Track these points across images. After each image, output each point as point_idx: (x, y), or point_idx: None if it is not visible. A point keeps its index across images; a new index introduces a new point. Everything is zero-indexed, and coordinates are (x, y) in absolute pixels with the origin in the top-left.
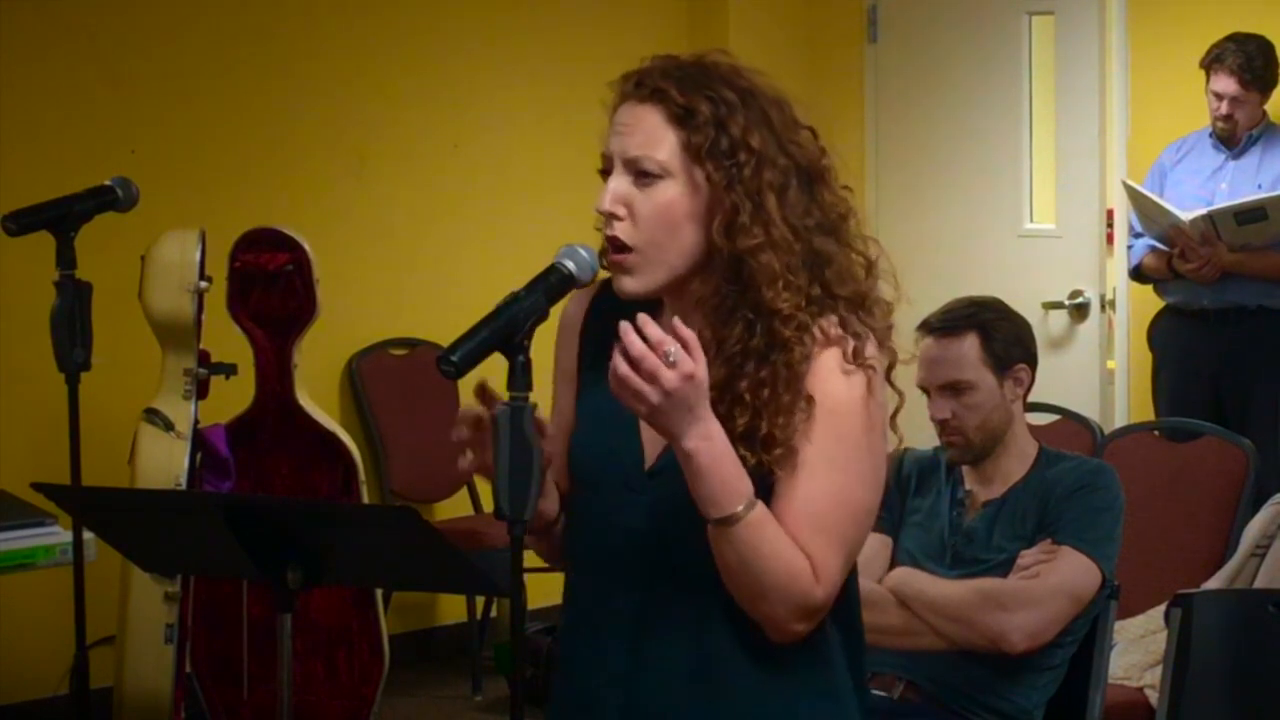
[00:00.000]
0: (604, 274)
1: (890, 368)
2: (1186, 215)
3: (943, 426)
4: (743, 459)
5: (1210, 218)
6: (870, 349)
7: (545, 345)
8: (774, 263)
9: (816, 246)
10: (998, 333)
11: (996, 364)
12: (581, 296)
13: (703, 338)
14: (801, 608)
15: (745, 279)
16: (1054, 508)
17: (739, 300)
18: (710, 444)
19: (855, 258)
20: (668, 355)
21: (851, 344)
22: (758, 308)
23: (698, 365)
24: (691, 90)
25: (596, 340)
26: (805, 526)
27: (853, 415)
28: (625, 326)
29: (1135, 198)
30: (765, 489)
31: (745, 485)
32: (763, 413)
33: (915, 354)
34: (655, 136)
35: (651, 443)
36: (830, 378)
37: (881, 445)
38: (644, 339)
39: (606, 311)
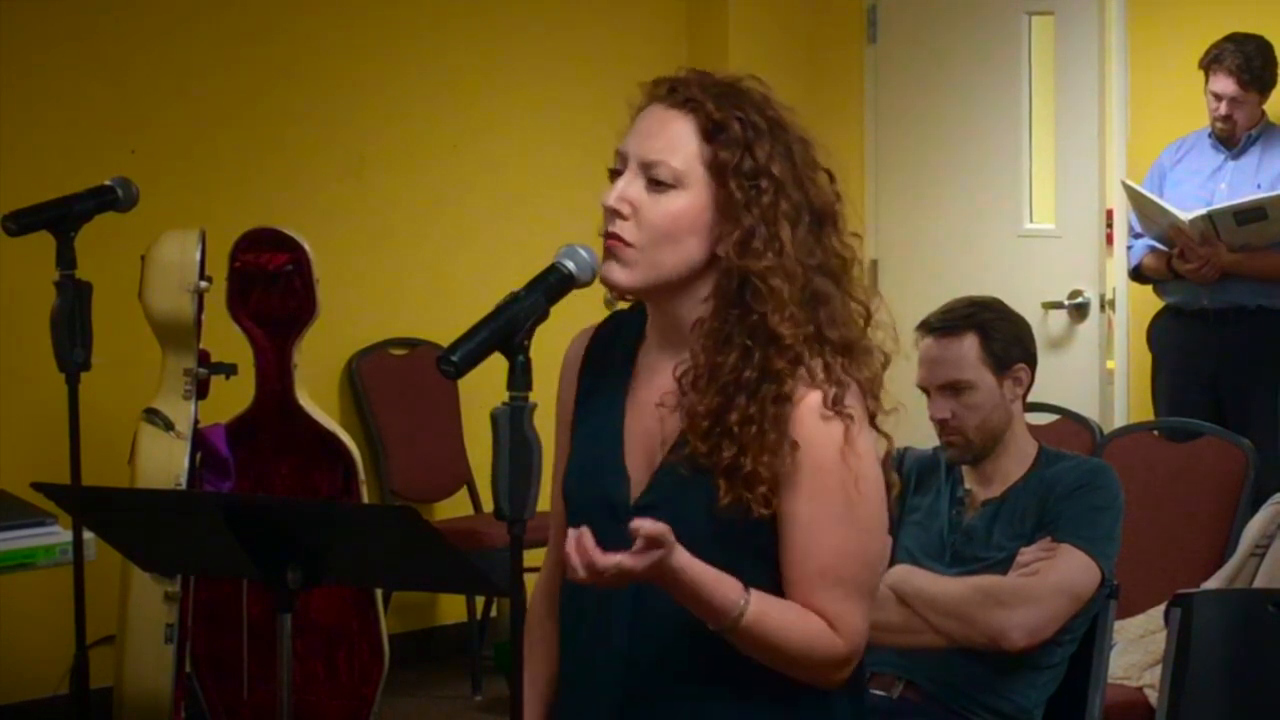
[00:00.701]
0: (601, 291)
1: (873, 417)
2: (1186, 215)
3: (942, 426)
4: (719, 489)
5: (1210, 218)
6: (850, 398)
7: (545, 346)
8: (784, 289)
9: (816, 286)
10: (997, 333)
11: (996, 364)
12: (581, 338)
13: (698, 363)
14: (831, 663)
15: (748, 302)
16: (1053, 506)
17: (738, 325)
18: (677, 577)
19: (855, 306)
20: (604, 572)
21: (832, 391)
22: (757, 333)
23: (642, 562)
24: (725, 107)
25: (594, 373)
26: (817, 584)
27: (835, 465)
28: (570, 543)
29: (1135, 198)
30: (750, 525)
31: (733, 590)
32: (748, 450)
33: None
34: (678, 144)
35: (638, 475)
36: (812, 424)
37: (874, 490)
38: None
39: (602, 347)
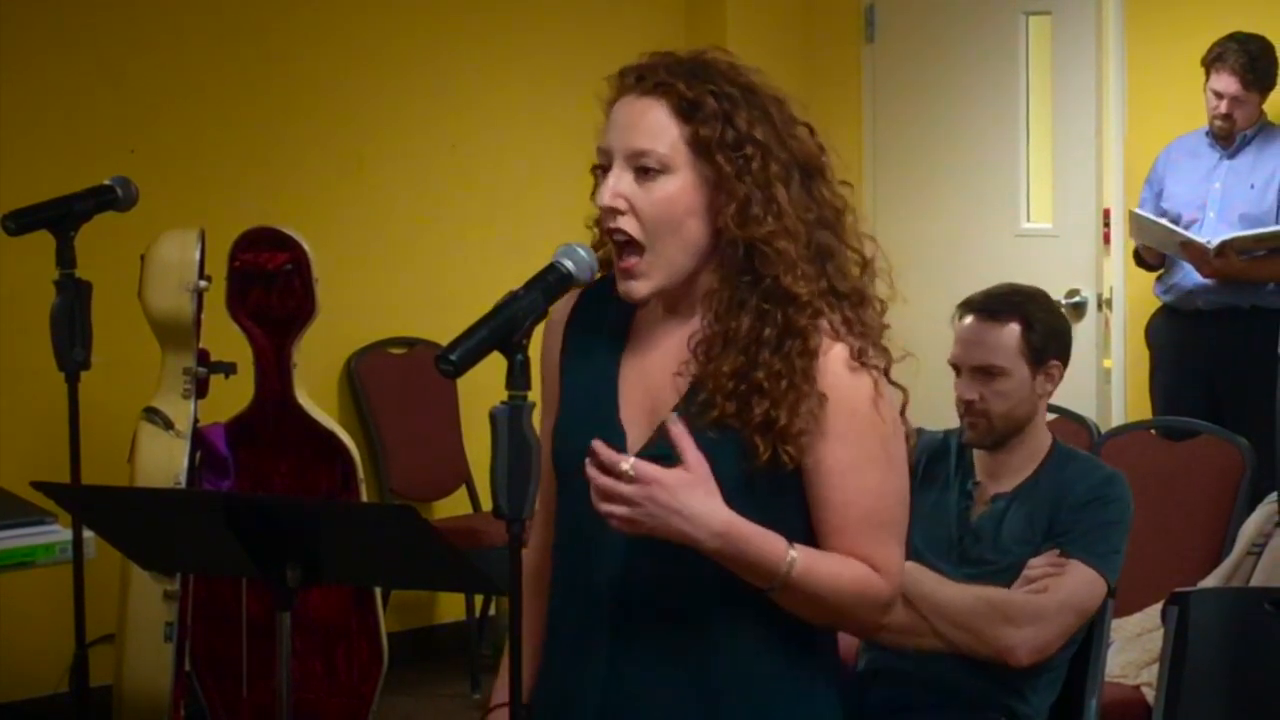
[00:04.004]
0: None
1: (887, 368)
2: (1207, 240)
3: (968, 407)
4: (757, 449)
5: (1230, 242)
6: (873, 350)
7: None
8: (791, 249)
9: (820, 240)
10: (1039, 325)
11: (1033, 356)
12: (566, 300)
13: (711, 332)
14: (878, 607)
15: (759, 268)
16: (1065, 517)
17: (750, 291)
18: (727, 537)
19: (851, 255)
20: (625, 473)
21: (858, 344)
22: (772, 296)
23: (669, 473)
24: (697, 84)
25: (581, 330)
26: (860, 528)
27: (869, 412)
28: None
29: (1142, 223)
30: (782, 478)
31: (778, 547)
32: (780, 404)
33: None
34: (659, 130)
35: (635, 432)
36: (840, 375)
37: (901, 437)
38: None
39: (591, 306)
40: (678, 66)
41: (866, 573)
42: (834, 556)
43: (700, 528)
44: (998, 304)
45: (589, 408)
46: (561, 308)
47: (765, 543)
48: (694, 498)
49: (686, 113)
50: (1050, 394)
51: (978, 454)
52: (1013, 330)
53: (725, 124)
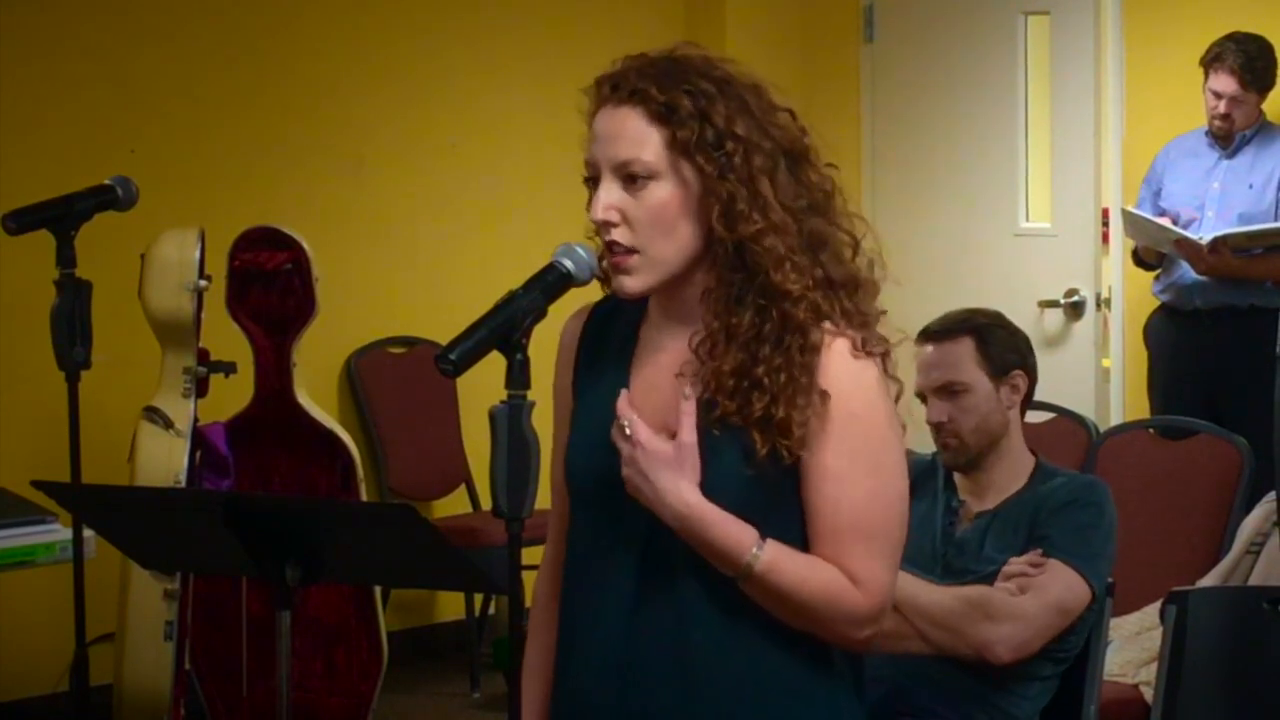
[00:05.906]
0: (599, 290)
1: (886, 355)
2: (1198, 237)
3: (939, 430)
4: (754, 444)
5: (1224, 239)
6: (874, 339)
7: (543, 344)
8: (778, 246)
9: (811, 228)
10: (993, 337)
11: (992, 367)
12: (578, 317)
13: (712, 329)
14: (853, 620)
15: (751, 266)
16: (1043, 521)
17: (745, 288)
18: (686, 520)
19: (843, 236)
20: (623, 429)
21: (859, 335)
22: (766, 293)
23: (654, 444)
24: (670, 86)
25: (592, 352)
26: (842, 538)
27: (871, 411)
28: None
29: (1135, 221)
30: (779, 473)
31: (746, 535)
32: (779, 398)
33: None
34: (639, 138)
35: None
36: (842, 372)
37: (900, 435)
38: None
39: (600, 325)
40: (650, 69)
41: (842, 583)
42: (809, 559)
43: (663, 504)
44: (949, 324)
45: (603, 426)
46: (571, 331)
47: (730, 532)
48: (663, 475)
49: (663, 117)
50: (1019, 406)
51: (958, 475)
52: (966, 344)
53: (703, 123)
